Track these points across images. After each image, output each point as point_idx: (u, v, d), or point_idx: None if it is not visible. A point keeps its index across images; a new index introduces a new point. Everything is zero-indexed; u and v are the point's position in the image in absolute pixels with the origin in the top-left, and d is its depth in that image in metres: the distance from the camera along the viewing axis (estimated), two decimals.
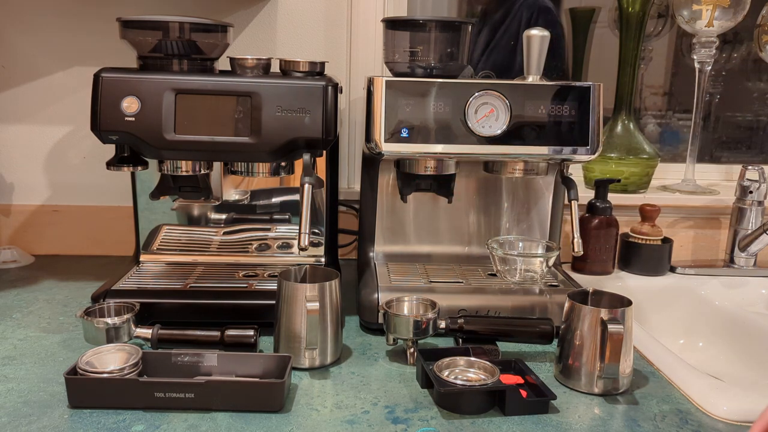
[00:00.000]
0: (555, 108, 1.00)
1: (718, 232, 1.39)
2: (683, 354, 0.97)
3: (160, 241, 1.15)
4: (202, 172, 1.01)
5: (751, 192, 1.26)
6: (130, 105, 0.91)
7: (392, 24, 1.08)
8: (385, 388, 0.83)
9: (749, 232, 1.27)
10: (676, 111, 1.64)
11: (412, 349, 0.89)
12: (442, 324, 0.90)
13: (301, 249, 0.88)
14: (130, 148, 0.96)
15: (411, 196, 1.10)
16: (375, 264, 1.12)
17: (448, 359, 0.82)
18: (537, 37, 1.02)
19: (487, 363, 0.82)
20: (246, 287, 1.02)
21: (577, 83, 1.01)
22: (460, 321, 0.91)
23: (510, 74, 1.50)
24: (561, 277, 1.09)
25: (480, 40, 1.52)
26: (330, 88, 0.94)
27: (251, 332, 0.88)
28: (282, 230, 1.16)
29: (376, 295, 0.99)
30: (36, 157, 1.33)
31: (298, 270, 0.93)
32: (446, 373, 0.80)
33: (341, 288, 0.90)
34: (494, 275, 1.07)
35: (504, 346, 0.94)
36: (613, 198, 1.26)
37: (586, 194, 1.26)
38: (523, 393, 0.79)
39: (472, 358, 0.83)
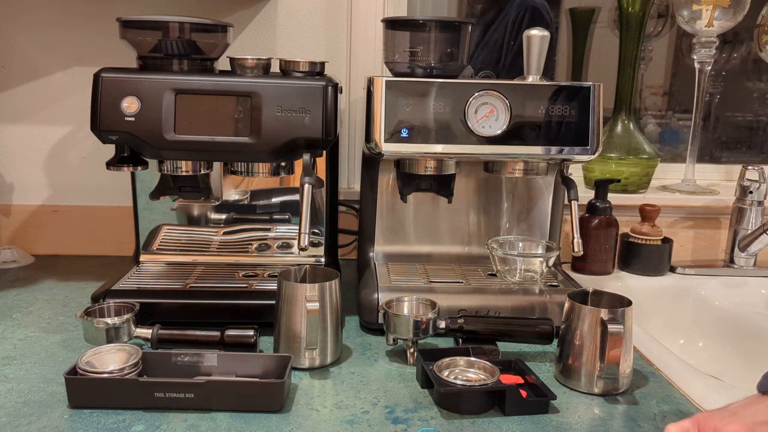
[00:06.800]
0: (555, 108, 1.00)
1: (718, 232, 1.39)
2: (683, 354, 0.97)
3: (160, 241, 1.15)
4: (202, 172, 1.01)
5: (751, 192, 1.26)
6: (130, 105, 0.91)
7: (392, 24, 1.08)
8: (385, 388, 0.83)
9: (749, 232, 1.27)
10: (676, 111, 1.64)
11: (412, 349, 0.89)
12: (442, 324, 0.90)
13: (301, 249, 0.88)
14: (130, 148, 0.96)
15: (411, 196, 1.10)
16: (375, 264, 1.12)
17: (448, 359, 0.82)
18: (537, 37, 1.02)
19: (487, 363, 0.82)
20: (246, 287, 1.02)
21: (577, 83, 1.01)
22: (460, 321, 0.91)
23: (497, 72, 1.50)
24: (561, 277, 1.09)
25: (473, 38, 1.52)
26: (330, 88, 0.94)
27: (251, 332, 0.88)
28: (282, 230, 1.16)
29: (376, 295, 0.99)
30: (36, 157, 1.33)
31: (298, 270, 0.93)
32: (446, 373, 0.80)
33: (341, 288, 0.90)
34: (494, 275, 1.07)
35: (504, 346, 0.94)
36: (613, 198, 1.26)
37: (586, 194, 1.26)
38: (523, 393, 0.79)
39: (472, 358, 0.83)
